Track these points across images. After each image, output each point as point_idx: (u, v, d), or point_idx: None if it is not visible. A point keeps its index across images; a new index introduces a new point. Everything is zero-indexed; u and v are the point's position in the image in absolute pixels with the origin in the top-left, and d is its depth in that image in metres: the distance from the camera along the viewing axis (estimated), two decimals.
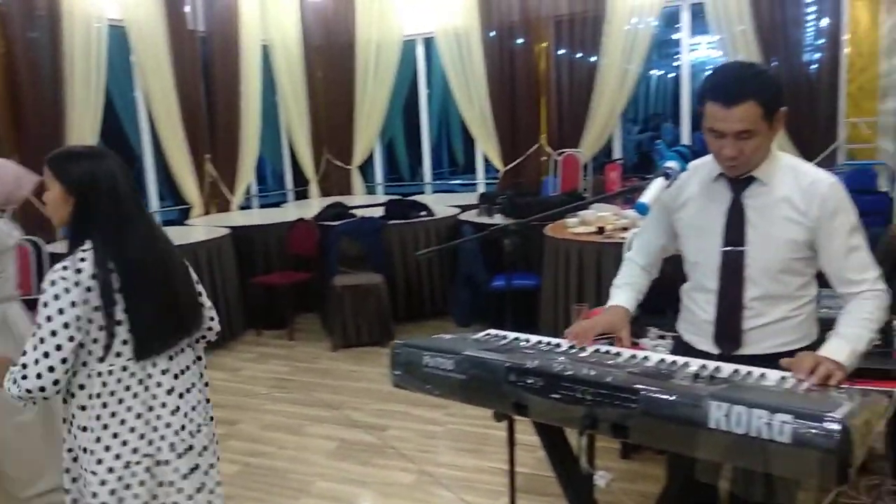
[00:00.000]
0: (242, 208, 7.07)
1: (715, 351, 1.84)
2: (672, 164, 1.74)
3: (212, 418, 2.01)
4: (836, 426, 1.15)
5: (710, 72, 1.81)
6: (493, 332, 1.93)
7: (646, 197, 1.69)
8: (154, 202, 6.41)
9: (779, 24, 5.89)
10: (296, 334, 5.59)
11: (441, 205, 6.33)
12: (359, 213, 5.95)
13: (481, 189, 7.49)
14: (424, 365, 1.70)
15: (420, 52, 7.70)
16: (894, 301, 3.00)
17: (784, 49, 5.94)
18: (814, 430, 1.16)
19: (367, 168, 8.14)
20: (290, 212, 6.77)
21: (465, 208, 6.22)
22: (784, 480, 1.24)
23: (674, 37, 6.94)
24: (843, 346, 1.63)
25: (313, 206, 6.86)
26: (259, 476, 3.40)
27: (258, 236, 5.86)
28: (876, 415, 1.30)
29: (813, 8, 5.98)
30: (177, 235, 5.42)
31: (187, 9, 6.36)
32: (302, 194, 7.97)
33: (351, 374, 4.74)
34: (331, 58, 7.72)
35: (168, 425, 1.82)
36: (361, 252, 5.39)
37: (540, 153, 7.01)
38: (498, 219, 5.56)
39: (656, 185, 1.72)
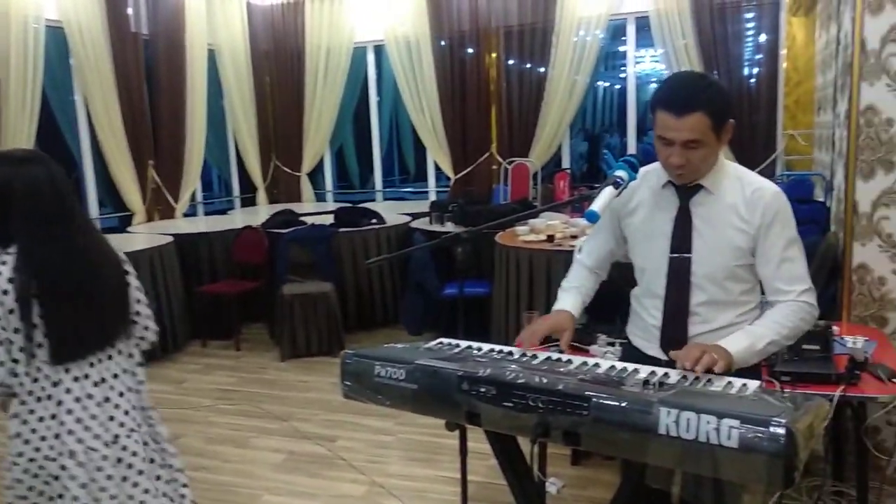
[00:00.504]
0: (187, 215, 6.90)
1: (663, 356, 1.86)
2: (621, 172, 1.76)
3: (151, 425, 2.00)
4: (781, 430, 1.17)
5: (664, 81, 1.84)
6: (445, 340, 1.91)
7: (595, 205, 1.71)
8: (94, 209, 6.19)
9: (720, 38, 6.08)
10: (243, 344, 5.47)
11: (392, 213, 6.30)
12: (308, 220, 5.87)
13: (432, 197, 7.48)
14: (376, 375, 1.67)
15: (370, 58, 7.67)
16: (828, 311, 3.10)
17: (725, 63, 6.12)
18: (760, 435, 1.18)
19: (316, 175, 8.04)
20: (237, 219, 6.63)
21: (416, 216, 6.21)
22: (732, 485, 1.25)
23: (620, 49, 7.08)
24: (741, 340, 1.68)
25: (261, 213, 6.74)
26: (203, 491, 3.29)
27: (204, 244, 5.72)
28: (818, 418, 1.34)
29: (752, 24, 6.19)
30: (118, 243, 5.24)
31: (130, 10, 6.18)
32: (249, 201, 7.83)
33: (299, 384, 4.66)
34: (279, 63, 7.62)
35: (70, 432, 1.81)
36: (311, 260, 5.32)
37: (490, 162, 7.05)
38: (449, 227, 5.56)
39: (605, 194, 1.73)
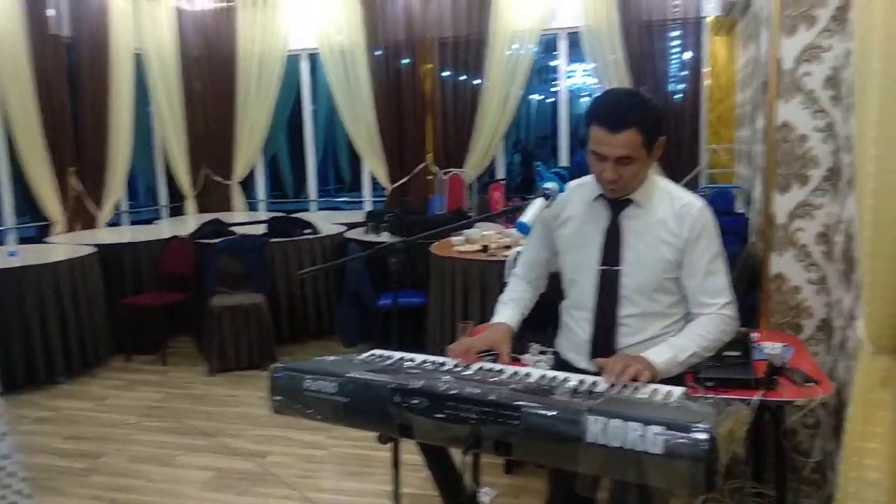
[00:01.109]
0: (111, 225, 6.64)
1: (593, 369, 1.88)
2: (551, 184, 1.79)
3: None
4: (703, 435, 1.20)
5: (598, 97, 1.88)
6: (377, 352, 1.90)
7: (525, 217, 1.73)
8: (9, 218, 5.88)
9: (647, 55, 6.29)
10: (169, 359, 5.28)
11: (327, 222, 6.22)
12: (239, 230, 5.73)
13: (368, 207, 7.44)
14: (306, 389, 1.63)
15: (304, 67, 7.58)
16: (748, 318, 3.22)
17: (652, 78, 6.33)
18: (683, 440, 1.21)
19: (248, 184, 7.88)
20: (164, 229, 6.42)
21: (351, 226, 6.15)
22: (658, 490, 1.28)
23: (553, 63, 7.24)
24: (665, 351, 1.75)
25: (190, 222, 6.55)
26: None
27: (128, 255, 5.51)
28: (738, 423, 1.38)
29: (678, 42, 6.43)
30: (35, 254, 5.02)
31: (51, 12, 5.93)
32: (177, 210, 7.59)
33: (229, 399, 4.53)
34: (210, 69, 7.44)
35: None
36: (242, 271, 5.19)
37: (426, 172, 7.07)
38: (385, 237, 5.53)
39: (536, 206, 1.76)
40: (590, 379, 1.61)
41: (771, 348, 2.66)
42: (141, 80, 6.89)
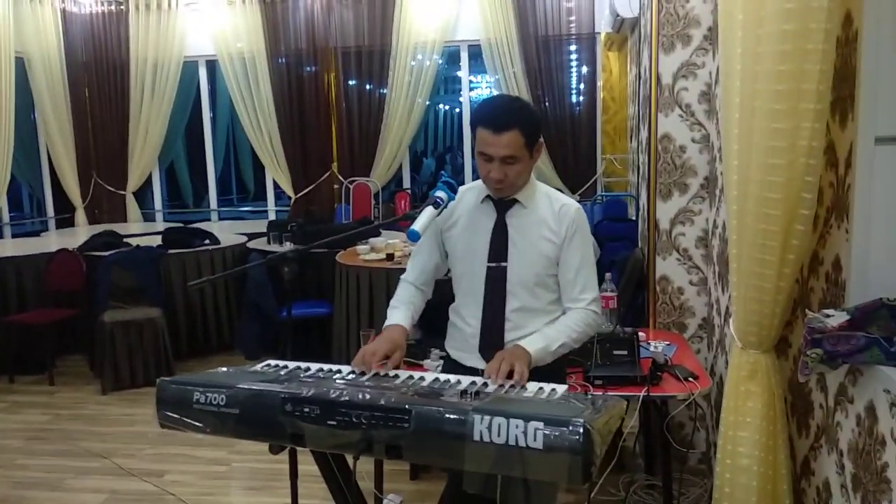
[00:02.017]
0: None
1: (480, 365, 1.97)
2: (441, 193, 1.86)
3: None
4: (579, 429, 1.28)
5: (482, 102, 2.00)
6: (272, 362, 1.88)
7: (417, 224, 1.78)
8: None
9: (545, 68, 6.51)
10: (58, 378, 5.00)
11: (228, 232, 6.07)
12: (134, 241, 5.50)
13: (272, 217, 7.31)
14: (195, 402, 1.61)
15: (202, 73, 7.37)
16: (637, 319, 3.39)
17: (551, 91, 6.56)
18: (561, 434, 1.28)
19: (144, 194, 7.57)
20: (51, 241, 6.07)
21: (253, 236, 6.02)
22: (539, 483, 1.34)
23: (458, 74, 7.38)
24: (538, 341, 1.88)
25: (80, 235, 6.22)
26: None
27: (11, 270, 5.17)
28: (614, 417, 1.47)
29: (574, 56, 6.69)
30: None
31: None
32: (66, 222, 7.19)
33: (123, 418, 4.33)
34: (100, 75, 7.12)
35: None
36: (136, 284, 4.98)
37: (332, 181, 7.03)
38: (288, 247, 5.45)
39: (426, 214, 1.81)
40: (480, 381, 1.67)
41: (655, 346, 2.81)
42: (24, 85, 6.50)
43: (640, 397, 2.41)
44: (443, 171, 6.37)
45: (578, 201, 6.42)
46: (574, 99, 6.71)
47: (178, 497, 3.32)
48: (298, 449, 1.86)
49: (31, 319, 4.98)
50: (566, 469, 1.27)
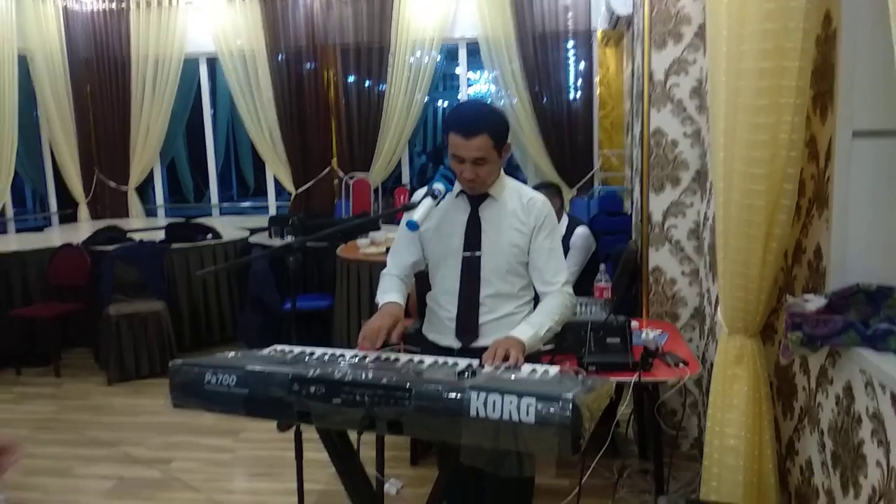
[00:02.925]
0: None
1: (456, 345, 2.16)
2: (438, 185, 1.96)
3: None
4: (569, 404, 1.36)
5: (453, 108, 2.16)
6: (279, 347, 1.97)
7: (415, 215, 1.88)
8: None
9: (542, 64, 6.58)
10: (64, 371, 5.08)
11: (229, 227, 6.15)
12: (136, 236, 5.58)
13: (272, 212, 7.39)
14: (206, 383, 1.69)
15: (203, 70, 7.44)
16: (632, 308, 3.47)
17: (548, 87, 6.64)
18: (551, 409, 1.36)
19: (146, 190, 7.65)
20: (55, 236, 6.15)
21: (255, 231, 6.11)
22: (531, 456, 1.43)
23: (458, 70, 7.46)
24: (527, 330, 2.00)
25: (83, 230, 6.30)
26: None
27: (16, 264, 5.26)
28: (602, 395, 1.56)
29: (571, 53, 6.76)
30: None
31: None
32: (69, 218, 7.27)
33: (129, 408, 4.42)
34: (101, 72, 7.19)
35: None
36: (139, 278, 5.06)
37: (331, 177, 7.10)
38: (289, 241, 5.54)
39: (425, 205, 1.91)
40: (476, 362, 1.76)
41: (647, 335, 2.90)
42: (26, 82, 6.57)
43: (632, 382, 2.49)
44: (442, 167, 6.47)
45: (576, 195, 6.46)
46: (571, 95, 6.77)
47: (184, 482, 3.41)
48: (304, 436, 1.95)
49: (35, 313, 5.06)
50: (557, 441, 1.36)
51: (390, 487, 3.21)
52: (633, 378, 2.50)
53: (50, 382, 4.93)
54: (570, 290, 2.17)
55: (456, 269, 2.15)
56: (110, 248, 5.20)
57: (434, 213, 2.11)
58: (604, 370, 2.56)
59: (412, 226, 1.88)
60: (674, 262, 3.33)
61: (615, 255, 4.01)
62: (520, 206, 2.14)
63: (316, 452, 1.97)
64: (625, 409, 3.23)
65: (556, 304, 2.10)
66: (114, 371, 4.83)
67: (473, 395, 1.43)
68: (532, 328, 2.00)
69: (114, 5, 7.12)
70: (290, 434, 1.96)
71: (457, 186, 2.14)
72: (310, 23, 6.88)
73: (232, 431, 3.93)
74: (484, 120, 2.02)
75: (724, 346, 2.22)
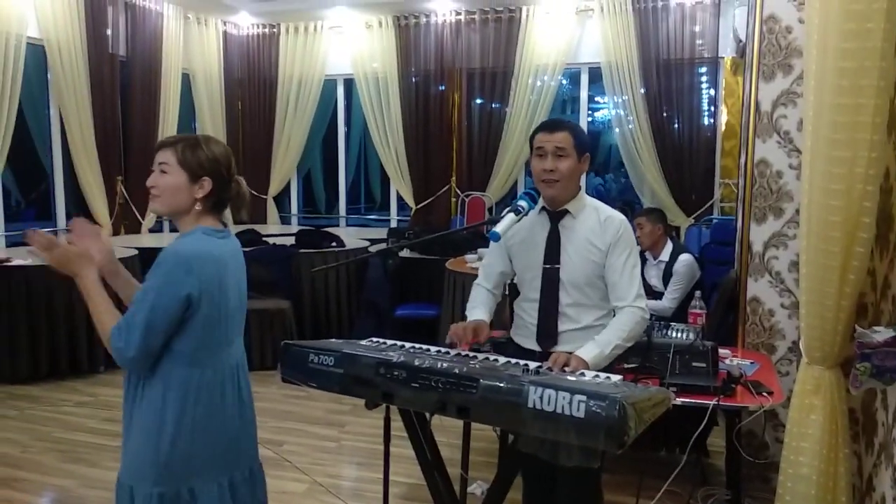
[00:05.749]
0: (153, 231, 7.11)
1: (537, 349, 2.32)
2: (522, 202, 2.16)
3: None
4: (615, 403, 1.50)
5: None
6: (376, 339, 2.23)
7: (499, 227, 2.08)
8: (62, 219, 6.40)
9: (665, 91, 6.57)
10: None
11: (353, 237, 6.60)
12: (271, 241, 6.13)
13: (393, 225, 7.82)
14: (310, 362, 1.97)
15: (340, 91, 8.04)
16: (727, 337, 3.45)
17: (670, 113, 6.61)
18: (599, 407, 1.51)
19: (283, 199, 8.34)
20: None
21: (374, 241, 6.52)
22: (582, 447, 1.58)
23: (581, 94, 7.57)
24: (593, 349, 2.11)
25: None
26: None
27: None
28: (657, 402, 1.67)
29: (695, 80, 6.69)
30: None
31: (109, 32, 6.47)
32: None
33: (253, 394, 4.87)
34: (252, 90, 7.97)
35: None
36: (270, 278, 5.57)
37: (450, 194, 7.44)
38: (405, 252, 5.88)
39: (508, 219, 2.11)
40: (544, 365, 1.92)
41: (732, 362, 2.92)
42: (188, 98, 7.40)
43: (711, 405, 2.54)
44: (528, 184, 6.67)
45: (692, 224, 6.36)
46: (695, 123, 6.70)
47: (293, 464, 3.76)
48: (398, 434, 2.19)
49: None
50: (602, 436, 1.50)
51: (476, 489, 3.39)
52: (713, 402, 2.54)
53: None
54: (643, 305, 2.26)
55: (538, 281, 2.32)
56: (247, 249, 5.75)
57: (520, 228, 2.29)
58: (685, 392, 2.62)
59: (494, 236, 2.08)
60: (773, 293, 3.30)
61: (721, 284, 3.98)
62: (597, 224, 2.27)
63: (408, 450, 2.20)
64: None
65: (626, 322, 2.21)
66: None
67: (532, 388, 1.60)
68: (597, 347, 2.12)
69: (266, 30, 7.88)
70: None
71: (539, 203, 2.30)
72: (440, 47, 7.28)
73: (339, 423, 4.26)
74: (567, 123, 2.26)
75: (803, 375, 2.25)
